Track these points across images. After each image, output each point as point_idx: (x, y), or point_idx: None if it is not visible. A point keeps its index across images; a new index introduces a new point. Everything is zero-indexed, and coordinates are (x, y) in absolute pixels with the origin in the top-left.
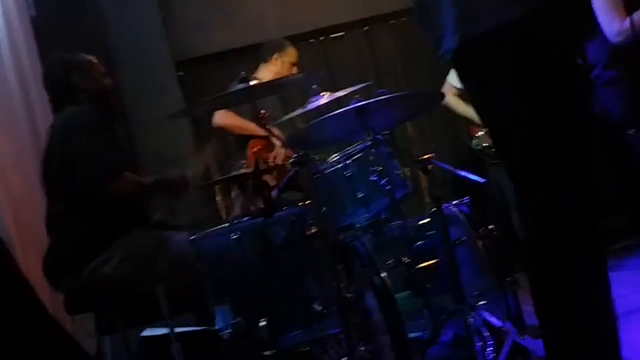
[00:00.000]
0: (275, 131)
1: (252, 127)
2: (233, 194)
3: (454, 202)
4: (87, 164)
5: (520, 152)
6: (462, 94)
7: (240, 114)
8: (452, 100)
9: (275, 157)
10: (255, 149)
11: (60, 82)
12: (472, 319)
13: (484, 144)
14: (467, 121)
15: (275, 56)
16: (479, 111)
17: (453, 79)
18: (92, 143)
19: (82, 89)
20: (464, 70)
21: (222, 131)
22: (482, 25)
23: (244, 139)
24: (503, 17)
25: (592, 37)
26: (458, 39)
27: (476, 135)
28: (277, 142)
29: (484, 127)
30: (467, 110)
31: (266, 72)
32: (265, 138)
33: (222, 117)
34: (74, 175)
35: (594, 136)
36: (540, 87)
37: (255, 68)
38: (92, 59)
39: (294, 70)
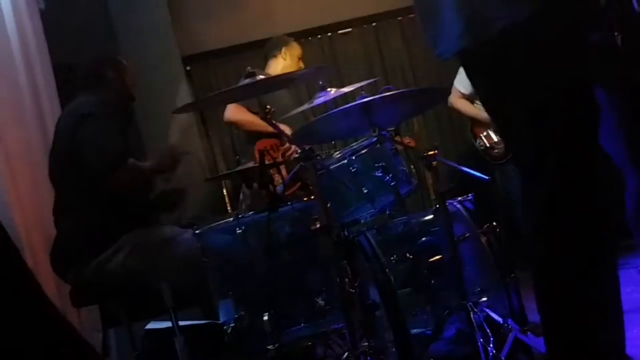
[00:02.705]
0: (283, 127)
1: (263, 124)
2: (242, 190)
3: (458, 199)
4: (93, 150)
5: (533, 145)
6: (469, 98)
7: (250, 110)
8: (458, 103)
9: (282, 157)
10: (261, 148)
11: (94, 71)
12: (474, 315)
13: (487, 145)
14: (472, 122)
15: (284, 50)
16: (488, 109)
17: (459, 84)
18: (100, 130)
19: (111, 87)
20: (473, 69)
21: (233, 126)
22: (492, 27)
23: (255, 137)
24: (513, 17)
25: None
26: (467, 39)
27: (480, 135)
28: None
29: (494, 125)
30: (472, 111)
31: (276, 66)
32: (276, 136)
33: (234, 112)
34: (81, 162)
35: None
36: (551, 82)
37: (262, 64)
38: (130, 66)
39: (300, 63)
